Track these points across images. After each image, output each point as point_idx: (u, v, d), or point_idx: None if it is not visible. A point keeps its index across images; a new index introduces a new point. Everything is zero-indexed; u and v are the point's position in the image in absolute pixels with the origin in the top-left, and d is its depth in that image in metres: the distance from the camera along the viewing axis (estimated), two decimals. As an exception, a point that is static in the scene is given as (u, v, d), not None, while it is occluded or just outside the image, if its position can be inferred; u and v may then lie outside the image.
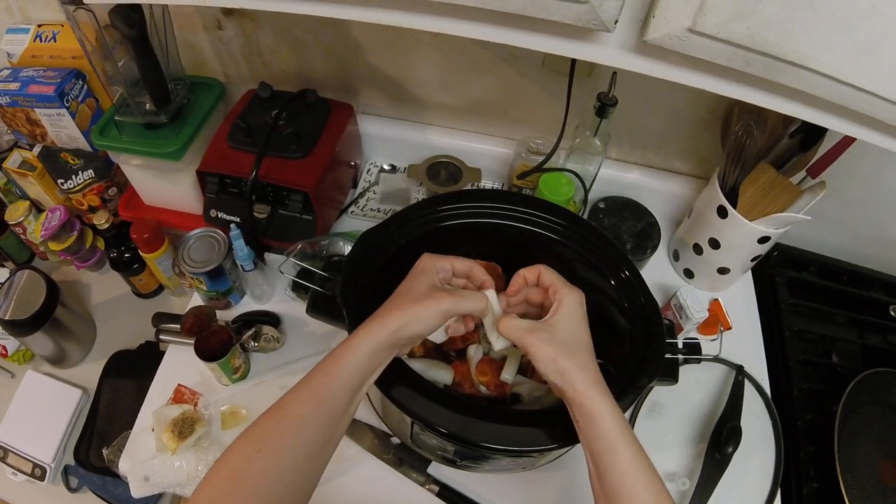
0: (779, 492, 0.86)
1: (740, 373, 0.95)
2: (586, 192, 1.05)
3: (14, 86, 1.02)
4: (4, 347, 1.08)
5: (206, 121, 1.01)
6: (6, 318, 0.97)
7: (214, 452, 0.84)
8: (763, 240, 0.92)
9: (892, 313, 1.11)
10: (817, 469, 0.88)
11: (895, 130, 0.51)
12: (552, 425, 0.63)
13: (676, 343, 0.79)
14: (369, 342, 0.58)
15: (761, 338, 1.02)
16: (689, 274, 1.07)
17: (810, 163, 0.92)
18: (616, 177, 1.14)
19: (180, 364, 0.94)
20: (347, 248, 0.97)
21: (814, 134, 0.90)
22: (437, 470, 0.85)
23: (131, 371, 1.09)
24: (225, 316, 0.99)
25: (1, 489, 1.02)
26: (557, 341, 0.59)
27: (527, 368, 0.78)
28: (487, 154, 1.16)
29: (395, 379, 0.64)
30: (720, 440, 0.86)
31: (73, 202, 1.15)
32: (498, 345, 0.66)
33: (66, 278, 1.22)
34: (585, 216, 1.08)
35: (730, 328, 0.97)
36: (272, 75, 1.15)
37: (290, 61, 1.12)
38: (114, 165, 1.12)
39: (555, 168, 1.03)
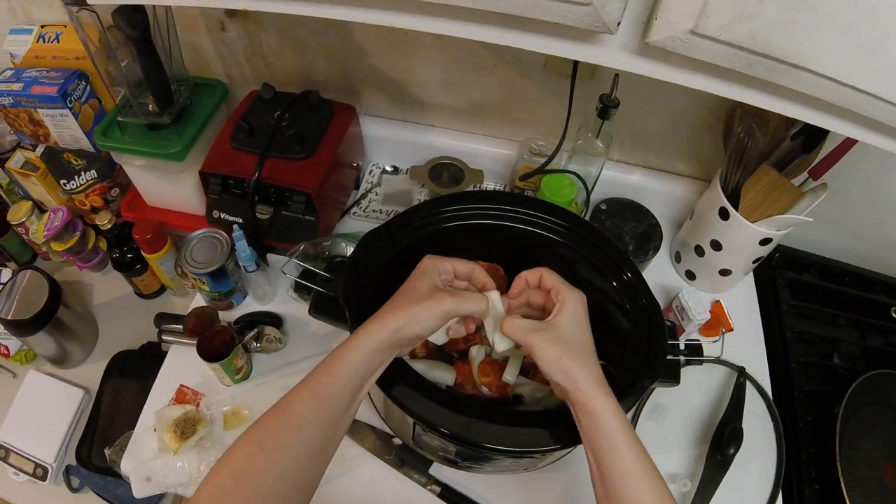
0: (780, 493, 0.86)
1: (742, 374, 0.95)
2: (588, 193, 1.05)
3: (17, 86, 1.02)
4: (7, 347, 1.09)
5: (209, 122, 1.02)
6: (8, 318, 0.97)
7: (216, 453, 0.84)
8: (765, 241, 0.92)
9: (894, 315, 1.11)
10: (819, 471, 0.88)
11: (896, 132, 0.51)
12: (554, 426, 0.63)
13: (678, 344, 0.79)
14: (370, 342, 0.58)
15: (763, 339, 1.02)
16: (690, 275, 1.07)
17: (812, 165, 0.92)
18: (618, 178, 1.14)
19: (182, 364, 0.94)
20: (350, 250, 0.97)
21: (815, 136, 0.91)
22: (439, 471, 0.85)
23: (133, 371, 1.09)
24: (227, 316, 0.99)
25: (3, 489, 1.02)
26: (561, 341, 0.60)
27: (528, 370, 0.78)
28: (489, 155, 1.17)
29: (398, 380, 0.64)
30: (721, 442, 0.86)
31: (75, 203, 1.15)
32: (501, 346, 0.66)
33: (69, 279, 1.22)
34: (587, 218, 1.08)
35: (731, 330, 0.97)
36: (275, 77, 1.15)
37: (293, 63, 1.12)
38: (116, 166, 1.12)
39: (557, 170, 1.03)
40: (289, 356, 0.96)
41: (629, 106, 0.93)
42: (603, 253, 0.78)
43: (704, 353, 0.79)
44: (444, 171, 1.13)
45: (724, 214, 0.92)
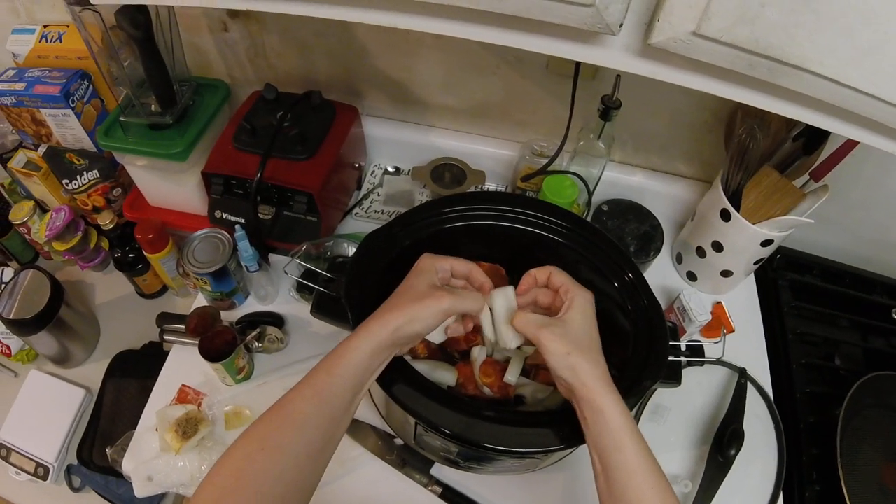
0: (781, 494, 0.86)
1: (743, 375, 0.95)
2: (590, 194, 1.05)
3: (20, 86, 1.03)
4: (8, 347, 1.09)
5: (212, 122, 1.02)
6: (10, 317, 0.97)
7: (218, 453, 0.84)
8: (766, 243, 0.92)
9: (895, 316, 1.11)
10: (820, 472, 0.88)
11: (898, 133, 0.51)
12: (556, 427, 0.63)
13: (679, 345, 0.79)
14: (370, 342, 0.58)
15: (764, 341, 1.02)
16: (692, 277, 1.07)
17: (813, 166, 0.92)
18: (619, 179, 1.14)
19: (184, 364, 0.94)
20: (352, 250, 0.97)
21: (817, 137, 0.91)
22: (440, 471, 0.85)
23: (135, 371, 1.09)
24: (229, 316, 0.99)
25: (4, 488, 1.02)
26: (570, 337, 0.60)
27: (530, 371, 0.78)
28: (491, 156, 1.17)
29: (400, 380, 0.64)
30: (723, 443, 0.86)
31: (77, 202, 1.16)
32: (512, 342, 0.66)
33: (71, 278, 1.22)
34: (589, 219, 1.08)
35: (733, 331, 0.97)
36: (277, 77, 1.15)
37: (295, 63, 1.12)
38: (118, 166, 1.12)
39: (558, 170, 1.04)
40: (291, 356, 0.96)
41: (631, 107, 0.93)
42: (604, 254, 0.78)
43: (706, 355, 0.79)
44: (446, 171, 1.13)
45: (725, 216, 0.93)
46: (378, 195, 1.19)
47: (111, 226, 1.05)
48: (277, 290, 1.03)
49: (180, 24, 0.94)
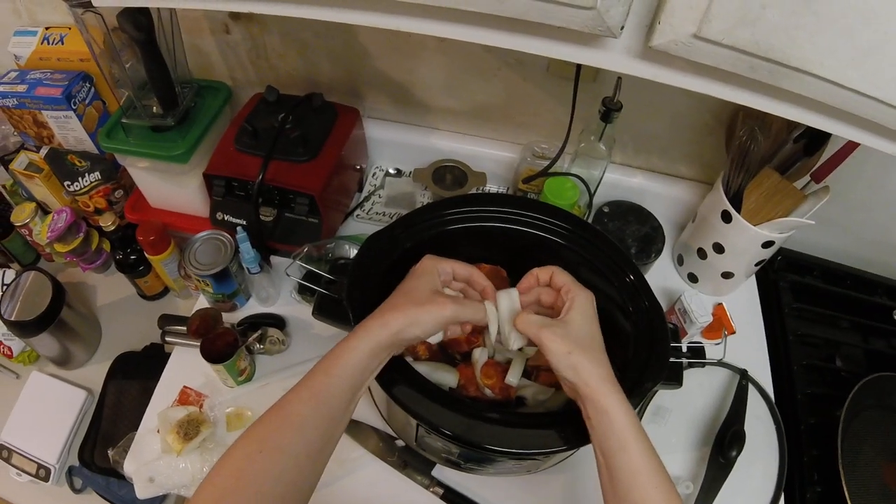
0: (782, 495, 0.86)
1: (744, 377, 0.95)
2: (591, 196, 1.05)
3: (21, 88, 1.03)
4: (10, 348, 1.09)
5: (213, 124, 1.02)
6: (12, 319, 0.97)
7: (219, 454, 0.83)
8: (767, 244, 0.92)
9: (896, 318, 1.11)
10: (821, 473, 0.88)
11: (898, 135, 0.51)
12: (557, 428, 0.63)
13: (680, 347, 0.79)
14: (369, 342, 0.58)
15: (765, 342, 1.02)
16: (693, 278, 1.07)
17: (814, 167, 0.92)
18: (620, 181, 1.14)
19: (186, 366, 0.94)
20: (353, 252, 0.97)
21: (818, 139, 0.91)
22: (442, 472, 0.85)
23: (136, 372, 1.09)
24: (231, 318, 0.99)
25: (5, 490, 1.02)
26: (571, 336, 0.60)
27: (531, 372, 0.78)
28: (492, 158, 1.17)
29: (401, 382, 0.64)
30: (724, 444, 0.86)
31: (79, 204, 1.16)
32: (515, 343, 0.66)
33: (72, 280, 1.22)
34: (590, 220, 1.08)
35: (734, 332, 0.97)
36: (279, 79, 1.16)
37: (297, 65, 1.12)
38: (120, 168, 1.13)
39: (560, 172, 1.04)
40: (292, 358, 0.97)
41: (632, 109, 0.94)
42: (605, 255, 0.78)
43: (707, 356, 0.79)
44: (448, 173, 1.14)
45: (726, 217, 0.93)
46: (379, 197, 1.19)
47: (113, 227, 1.05)
48: (279, 291, 1.03)
49: (182, 26, 0.95)
